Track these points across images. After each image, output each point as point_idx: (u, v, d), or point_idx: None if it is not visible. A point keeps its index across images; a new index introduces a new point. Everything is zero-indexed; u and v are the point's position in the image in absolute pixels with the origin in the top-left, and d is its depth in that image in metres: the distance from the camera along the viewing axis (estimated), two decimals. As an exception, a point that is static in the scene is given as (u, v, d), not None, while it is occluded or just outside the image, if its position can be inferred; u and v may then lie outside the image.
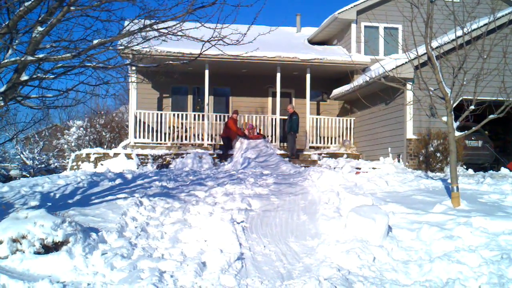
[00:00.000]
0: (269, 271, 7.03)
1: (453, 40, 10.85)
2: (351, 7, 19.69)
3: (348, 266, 6.97)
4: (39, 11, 7.59)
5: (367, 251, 7.34)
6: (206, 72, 18.93)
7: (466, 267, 6.60)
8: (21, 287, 5.90)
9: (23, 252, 6.78)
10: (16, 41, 7.71)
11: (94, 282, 6.36)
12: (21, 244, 6.82)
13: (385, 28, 18.39)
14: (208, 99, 19.35)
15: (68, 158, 24.05)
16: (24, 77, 7.73)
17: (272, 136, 19.56)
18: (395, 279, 6.67)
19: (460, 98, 10.22)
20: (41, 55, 7.58)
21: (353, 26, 19.97)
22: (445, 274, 6.52)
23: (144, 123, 18.67)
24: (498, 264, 6.53)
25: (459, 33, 10.50)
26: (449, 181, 10.59)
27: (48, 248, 6.91)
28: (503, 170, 14.98)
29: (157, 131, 18.72)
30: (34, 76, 7.94)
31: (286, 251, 7.87)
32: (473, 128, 10.29)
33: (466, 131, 10.48)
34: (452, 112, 9.99)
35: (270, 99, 21.54)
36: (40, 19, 7.44)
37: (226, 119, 19.21)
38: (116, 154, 16.85)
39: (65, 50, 7.77)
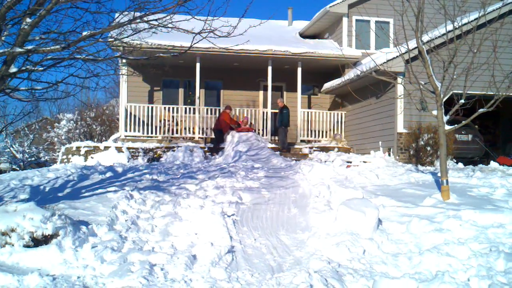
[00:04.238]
0: (260, 264, 7.05)
1: (443, 34, 10.90)
2: (343, 1, 19.63)
3: (338, 259, 7.00)
4: (28, 2, 7.53)
5: (357, 244, 7.38)
6: (197, 65, 18.85)
7: (455, 259, 6.65)
8: (10, 280, 5.87)
9: (12, 245, 6.74)
10: (5, 33, 7.64)
11: (84, 275, 6.34)
12: (10, 237, 6.78)
13: (376, 22, 18.41)
14: (199, 92, 19.28)
15: (58, 152, 23.93)
16: (13, 69, 7.66)
17: (263, 129, 19.55)
18: (385, 271, 6.71)
19: (451, 92, 10.26)
20: (30, 47, 7.52)
21: (345, 20, 19.94)
22: (434, 266, 6.57)
23: (134, 116, 18.59)
24: (486, 257, 6.58)
25: (450, 27, 10.54)
26: (439, 174, 10.64)
27: (38, 241, 6.88)
28: (493, 164, 15.08)
29: (148, 124, 18.65)
30: (23, 68, 7.87)
31: (276, 244, 7.89)
32: (463, 122, 10.34)
33: (456, 125, 10.53)
34: (442, 106, 10.03)
35: (261, 92, 21.51)
36: (29, 10, 7.36)
37: (217, 113, 19.17)
38: (106, 148, 16.77)
39: (54, 42, 7.70)
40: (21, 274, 6.05)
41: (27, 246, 6.79)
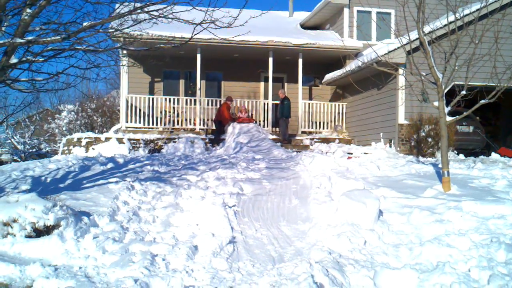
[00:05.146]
0: (261, 255, 7.07)
1: (445, 25, 10.85)
2: (344, -9, 19.57)
3: (339, 250, 7.01)
4: (28, -8, 7.49)
5: (358, 235, 7.39)
6: (198, 56, 18.82)
7: (456, 250, 6.65)
8: (13, 270, 5.90)
9: (14, 235, 6.77)
10: (5, 23, 7.62)
11: (86, 265, 6.37)
12: (12, 227, 6.81)
13: (377, 13, 18.35)
14: (200, 83, 19.26)
15: (59, 143, 23.95)
16: (14, 60, 7.65)
17: (264, 121, 19.54)
18: (386, 262, 6.73)
19: (452, 84, 10.23)
20: (30, 38, 7.51)
21: (346, 10, 19.88)
22: (435, 257, 6.57)
23: (135, 107, 18.57)
24: (487, 248, 6.58)
25: (451, 18, 10.48)
26: (440, 166, 10.64)
27: (40, 232, 6.90)
28: (494, 155, 15.06)
29: (148, 115, 18.64)
30: (24, 59, 7.86)
31: (277, 234, 7.91)
32: (464, 113, 10.32)
33: (457, 116, 10.51)
34: (444, 97, 10.00)
35: (262, 84, 21.48)
36: (29, 0, 7.34)
37: (218, 104, 19.15)
38: (107, 139, 16.79)
39: (54, 33, 7.68)
40: (23, 264, 6.08)
41: (29, 236, 6.81)
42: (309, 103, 20.01)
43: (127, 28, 8.53)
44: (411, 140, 15.44)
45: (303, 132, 19.51)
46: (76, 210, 7.80)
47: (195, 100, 19.00)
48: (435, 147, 14.98)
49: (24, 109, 21.34)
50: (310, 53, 19.56)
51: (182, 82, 21.06)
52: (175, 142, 17.04)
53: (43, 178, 10.78)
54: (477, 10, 11.03)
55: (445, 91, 10.08)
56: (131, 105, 18.59)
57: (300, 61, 19.61)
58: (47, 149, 29.49)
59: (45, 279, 5.75)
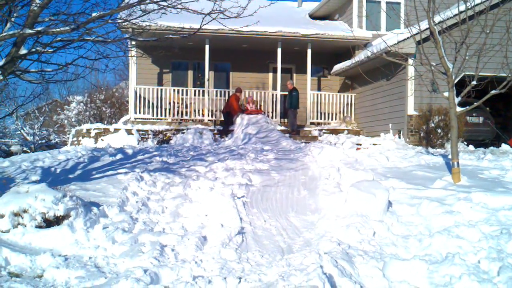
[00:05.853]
0: (270, 245, 7.08)
1: (456, 14, 10.75)
2: (353, -19, 19.42)
3: (348, 241, 7.01)
4: (37, -17, 7.49)
5: (367, 226, 7.38)
6: (207, 47, 18.77)
7: (465, 241, 6.63)
8: (23, 260, 5.95)
9: (25, 226, 6.82)
10: (15, 14, 7.63)
11: (96, 255, 6.41)
12: (22, 218, 6.86)
13: (387, 2, 18.21)
14: (208, 74, 19.23)
15: (69, 134, 24.04)
16: (23, 51, 7.67)
17: (272, 112, 19.49)
18: (395, 253, 6.72)
19: (462, 74, 10.15)
20: (39, 28, 7.50)
21: (355, 0, 19.73)
22: (444, 248, 6.56)
23: (144, 98, 18.59)
24: (497, 239, 6.55)
25: (462, 7, 10.38)
26: (449, 157, 10.58)
27: (50, 222, 6.95)
28: (504, 147, 14.94)
29: (157, 106, 18.65)
30: (33, 50, 7.87)
31: (286, 225, 7.91)
32: (475, 104, 10.23)
33: (467, 107, 10.43)
34: (454, 88, 9.93)
35: (271, 74, 21.40)
36: (38, -9, 7.34)
37: (226, 95, 19.13)
38: (116, 130, 16.83)
39: (63, 24, 7.68)
40: (33, 254, 6.13)
41: (39, 226, 6.86)
42: (317, 94, 19.93)
43: (136, 18, 8.52)
44: (421, 131, 15.36)
45: (311, 123, 19.45)
46: (86, 201, 7.84)
47: (203, 91, 18.98)
48: (445, 138, 14.90)
49: (33, 100, 21.48)
50: (319, 43, 19.46)
51: (190, 73, 21.02)
52: (183, 133, 17.06)
53: (52, 169, 10.84)
54: (488, -1, 10.92)
55: (455, 81, 10.00)
56: (140, 96, 18.61)
57: (309, 51, 19.51)
58: (57, 140, 29.62)
59: (55, 269, 5.80)
